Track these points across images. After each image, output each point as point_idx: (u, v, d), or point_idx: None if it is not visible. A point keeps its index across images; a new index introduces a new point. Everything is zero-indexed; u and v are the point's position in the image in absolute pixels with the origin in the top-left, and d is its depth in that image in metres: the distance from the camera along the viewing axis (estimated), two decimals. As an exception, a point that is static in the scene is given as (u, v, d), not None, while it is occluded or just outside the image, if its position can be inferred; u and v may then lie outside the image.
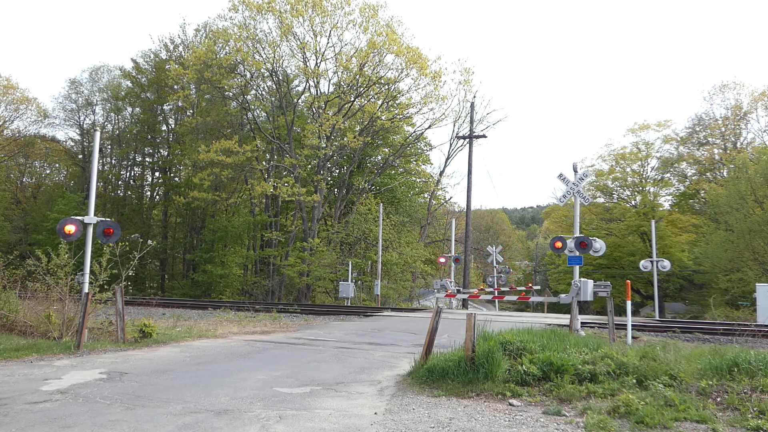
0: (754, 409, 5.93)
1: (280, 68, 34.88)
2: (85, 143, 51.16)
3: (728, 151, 41.80)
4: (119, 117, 50.88)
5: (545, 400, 6.65)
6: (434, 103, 36.31)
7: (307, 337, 13.32)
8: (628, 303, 13.12)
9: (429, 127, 38.70)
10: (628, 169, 45.53)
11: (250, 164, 34.89)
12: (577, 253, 14.53)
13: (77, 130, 52.36)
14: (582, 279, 14.96)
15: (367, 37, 33.08)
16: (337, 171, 41.33)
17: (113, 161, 51.87)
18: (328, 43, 33.39)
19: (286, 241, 36.44)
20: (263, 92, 37.58)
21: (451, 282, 27.66)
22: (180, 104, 44.31)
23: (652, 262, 26.60)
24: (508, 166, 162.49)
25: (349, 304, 28.00)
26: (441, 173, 44.62)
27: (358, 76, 33.30)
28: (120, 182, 51.93)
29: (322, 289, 36.98)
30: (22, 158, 51.28)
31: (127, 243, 12.69)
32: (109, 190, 50.77)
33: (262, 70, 34.46)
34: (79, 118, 51.63)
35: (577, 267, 15.18)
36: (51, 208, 42.87)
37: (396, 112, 35.92)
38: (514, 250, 72.45)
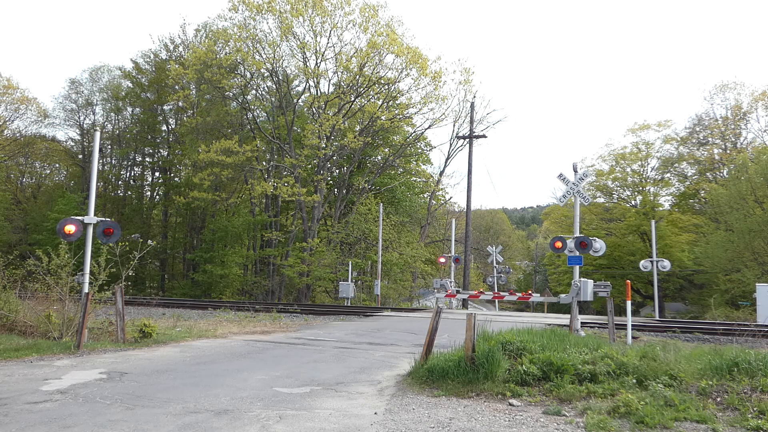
0: (754, 409, 5.93)
1: (280, 68, 34.91)
2: (85, 143, 51.18)
3: (728, 151, 41.80)
4: (119, 117, 50.96)
5: (545, 400, 6.65)
6: (434, 103, 36.37)
7: (307, 337, 13.31)
8: (628, 303, 13.12)
9: (429, 127, 38.78)
10: (628, 169, 45.53)
11: (250, 164, 34.90)
12: (577, 253, 14.53)
13: (77, 130, 52.49)
14: (582, 279, 14.96)
15: (367, 37, 33.11)
16: (337, 171, 41.33)
17: (113, 161, 51.91)
18: (328, 43, 33.43)
19: (286, 241, 36.44)
20: (263, 92, 37.60)
21: (451, 282, 27.63)
22: (180, 104, 44.33)
23: (652, 262, 26.58)
24: (508, 166, 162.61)
25: (349, 304, 28.00)
26: (441, 173, 44.72)
27: (358, 76, 33.29)
28: (120, 182, 51.99)
29: (322, 289, 36.98)
30: (22, 158, 51.28)
31: (127, 243, 12.67)
32: (109, 190, 50.81)
33: (262, 70, 34.46)
34: (79, 118, 51.74)
35: (577, 267, 15.18)
36: (51, 208, 42.89)
37: (396, 112, 35.90)
38: (514, 250, 72.44)
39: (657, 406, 5.98)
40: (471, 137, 33.80)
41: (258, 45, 33.24)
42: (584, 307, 34.90)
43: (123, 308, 11.49)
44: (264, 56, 33.43)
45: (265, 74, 35.24)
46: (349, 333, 14.22)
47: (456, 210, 53.47)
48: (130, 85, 48.45)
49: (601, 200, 47.63)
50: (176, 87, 38.96)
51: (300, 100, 37.79)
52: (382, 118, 33.83)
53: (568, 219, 45.05)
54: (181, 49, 44.14)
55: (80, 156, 52.07)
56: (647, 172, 45.55)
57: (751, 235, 29.69)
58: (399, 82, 34.77)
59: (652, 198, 44.79)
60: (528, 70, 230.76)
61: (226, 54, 34.61)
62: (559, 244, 14.82)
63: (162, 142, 48.78)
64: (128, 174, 52.11)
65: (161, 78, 43.43)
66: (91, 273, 11.82)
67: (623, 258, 42.26)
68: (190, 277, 40.25)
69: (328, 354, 10.43)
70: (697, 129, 44.08)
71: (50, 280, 11.79)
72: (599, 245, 15.53)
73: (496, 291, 33.39)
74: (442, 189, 45.85)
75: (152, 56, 46.32)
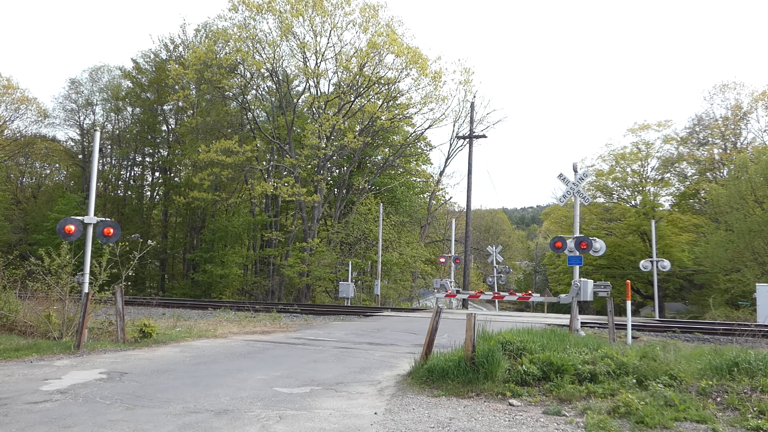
0: (754, 409, 5.93)
1: (280, 68, 34.91)
2: (85, 143, 51.19)
3: (728, 151, 41.80)
4: (119, 117, 50.96)
5: (545, 400, 6.65)
6: (434, 103, 36.38)
7: (307, 337, 13.32)
8: (628, 303, 13.12)
9: (429, 127, 38.78)
10: (628, 169, 45.52)
11: (250, 164, 34.90)
12: (577, 253, 14.53)
13: (77, 130, 52.49)
14: (582, 279, 14.96)
15: (367, 37, 33.12)
16: (337, 171, 41.33)
17: (113, 161, 51.92)
18: (328, 43, 33.43)
19: (286, 241, 36.45)
20: (263, 92, 37.60)
21: (451, 282, 27.65)
22: (180, 104, 44.33)
23: (652, 262, 26.59)
24: (508, 166, 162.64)
25: (349, 304, 27.99)
26: (441, 173, 44.71)
27: (358, 76, 33.29)
28: (120, 182, 51.99)
29: (322, 289, 36.98)
30: (22, 158, 51.27)
31: (127, 243, 12.67)
32: (109, 190, 50.82)
33: (262, 70, 34.46)
34: (79, 118, 51.74)
35: (577, 267, 15.18)
36: (51, 208, 42.91)
37: (396, 112, 35.91)
38: (514, 250, 72.44)
39: (657, 406, 5.98)
40: (471, 137, 33.80)
41: (258, 45, 33.25)
42: (584, 307, 34.90)
43: (123, 308, 11.49)
44: (264, 56, 33.43)
45: (265, 74, 35.25)
46: (349, 333, 14.21)
47: (456, 210, 53.48)
48: (130, 85, 48.46)
49: (601, 200, 47.63)
50: (176, 87, 38.97)
51: (300, 100, 37.81)
52: (382, 118, 33.83)
53: (568, 219, 45.05)
54: (181, 49, 44.16)
55: (80, 156, 52.06)
56: (647, 172, 45.58)
57: (751, 235, 29.68)
58: (399, 82, 34.83)
59: (652, 198, 44.78)
60: (528, 70, 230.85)
61: (226, 54, 34.61)
62: (559, 244, 14.82)
63: (162, 142, 48.78)
64: (128, 174, 52.15)
65: (161, 78, 43.43)
66: (92, 273, 11.82)
67: (623, 258, 42.25)
68: (190, 277, 40.25)
69: (328, 354, 10.43)
70: (697, 129, 44.09)
71: (50, 280, 11.79)
72: (599, 245, 15.54)
73: (496, 291, 33.40)
74: (442, 189, 45.90)
75: (152, 56, 46.35)
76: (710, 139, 43.92)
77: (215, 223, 40.79)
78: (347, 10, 32.72)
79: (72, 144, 53.93)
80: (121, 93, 49.00)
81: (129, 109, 49.86)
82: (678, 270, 39.17)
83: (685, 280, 41.99)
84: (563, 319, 19.26)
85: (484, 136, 34.45)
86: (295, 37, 33.07)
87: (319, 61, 33.65)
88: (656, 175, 45.58)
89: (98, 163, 15.03)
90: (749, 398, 6.20)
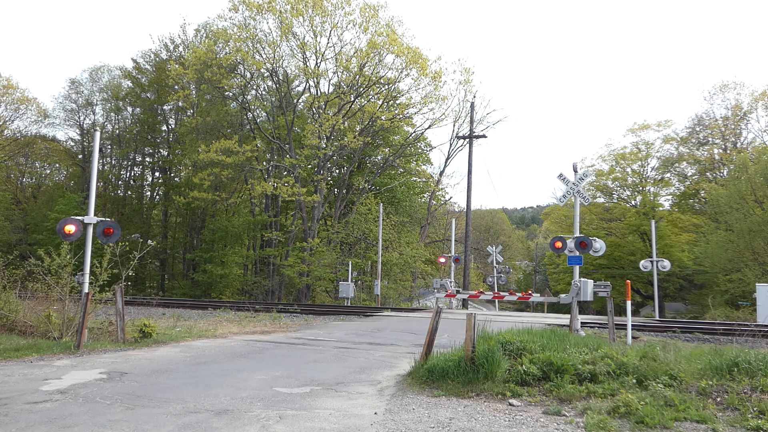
0: (754, 409, 5.93)
1: (280, 68, 34.91)
2: (85, 143, 51.16)
3: (728, 151, 41.80)
4: (119, 117, 50.92)
5: (545, 400, 6.65)
6: (434, 103, 36.38)
7: (307, 337, 13.31)
8: (628, 303, 13.11)
9: (429, 127, 38.79)
10: (628, 169, 45.52)
11: (250, 164, 34.90)
12: (577, 253, 14.52)
13: (77, 130, 52.46)
14: (582, 279, 14.96)
15: (367, 37, 33.13)
16: (337, 171, 41.32)
17: (113, 161, 51.90)
18: (328, 43, 33.43)
19: (286, 241, 36.45)
20: (263, 92, 37.60)
21: (451, 282, 27.62)
22: (180, 104, 44.31)
23: (652, 262, 26.58)
24: (508, 166, 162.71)
25: (349, 304, 27.99)
26: (441, 173, 44.70)
27: (358, 76, 33.28)
28: (120, 182, 51.97)
29: (322, 289, 36.97)
30: (22, 158, 51.24)
31: (127, 243, 12.67)
32: (109, 190, 50.80)
33: (262, 70, 34.46)
34: (79, 118, 51.71)
35: (577, 267, 15.18)
36: (51, 208, 42.90)
37: (396, 112, 35.90)
38: (514, 250, 72.41)
39: (657, 406, 5.98)
40: (471, 137, 33.79)
41: (258, 45, 33.24)
42: (584, 307, 34.90)
43: (123, 308, 11.49)
44: (264, 56, 33.43)
45: (265, 74, 35.25)
46: (349, 333, 14.21)
47: (456, 210, 53.44)
48: (130, 85, 48.44)
49: (601, 200, 47.62)
50: (176, 87, 38.93)
51: (300, 100, 37.79)
52: (382, 118, 33.82)
53: (568, 219, 45.04)
54: (181, 49, 44.14)
55: (80, 156, 52.03)
56: (647, 172, 45.57)
57: (751, 235, 29.68)
58: (399, 82, 34.82)
59: (652, 198, 44.78)
60: (528, 70, 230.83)
61: (226, 54, 34.61)
62: (559, 244, 14.82)
63: (162, 142, 48.76)
64: (128, 174, 52.12)
65: (161, 78, 43.41)
66: (92, 273, 11.82)
67: (623, 258, 42.24)
68: (190, 277, 40.25)
69: (328, 354, 10.43)
70: (697, 129, 44.08)
71: (50, 280, 11.79)
72: (599, 245, 15.53)
73: (496, 291, 33.38)
74: (442, 189, 45.88)
75: (152, 56, 46.34)
76: (710, 139, 43.92)
77: (215, 223, 40.79)
78: (347, 10, 32.76)
79: (72, 144, 53.94)
80: (121, 93, 48.97)
81: (129, 109, 49.84)
82: (678, 270, 39.16)
83: (685, 280, 41.97)
84: (563, 319, 19.25)
85: (484, 136, 34.45)
86: (295, 37, 33.09)
87: (319, 61, 33.68)
88: (656, 175, 45.60)
89: (98, 163, 15.03)
90: (749, 398, 6.20)
